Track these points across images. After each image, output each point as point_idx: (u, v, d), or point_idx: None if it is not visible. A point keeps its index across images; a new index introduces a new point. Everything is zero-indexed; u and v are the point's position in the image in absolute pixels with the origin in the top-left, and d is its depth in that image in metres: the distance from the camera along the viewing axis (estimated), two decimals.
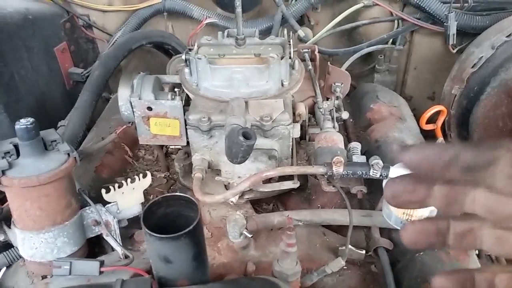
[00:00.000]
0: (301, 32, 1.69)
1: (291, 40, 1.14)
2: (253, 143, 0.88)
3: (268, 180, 1.11)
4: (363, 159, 1.03)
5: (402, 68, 1.82)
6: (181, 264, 0.68)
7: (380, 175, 0.93)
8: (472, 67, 1.42)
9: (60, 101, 1.58)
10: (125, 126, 1.25)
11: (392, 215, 0.95)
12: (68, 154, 0.91)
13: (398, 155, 0.41)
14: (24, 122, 0.86)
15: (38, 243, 0.91)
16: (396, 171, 0.92)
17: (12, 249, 1.00)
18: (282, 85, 1.10)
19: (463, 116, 1.48)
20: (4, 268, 1.02)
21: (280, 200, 1.25)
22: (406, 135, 1.35)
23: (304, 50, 1.43)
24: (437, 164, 0.39)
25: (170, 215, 0.70)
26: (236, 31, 1.13)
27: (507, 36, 1.38)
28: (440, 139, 1.23)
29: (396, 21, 1.68)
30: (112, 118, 1.48)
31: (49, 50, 1.56)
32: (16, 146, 0.88)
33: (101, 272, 0.82)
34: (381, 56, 1.75)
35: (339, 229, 1.12)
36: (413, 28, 1.66)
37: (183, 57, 1.12)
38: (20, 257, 0.99)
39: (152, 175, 1.21)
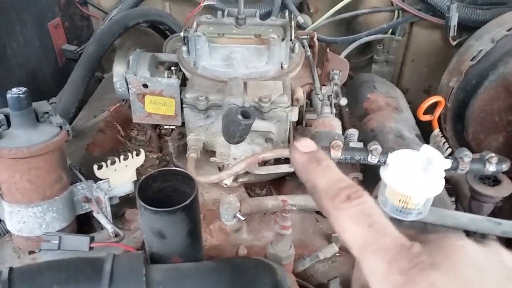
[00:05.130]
0: (300, 18, 1.67)
1: (292, 22, 1.12)
2: (251, 123, 0.87)
3: (264, 163, 1.09)
4: (360, 145, 1.02)
5: (399, 60, 1.81)
6: (176, 240, 0.66)
7: (378, 161, 0.92)
8: (471, 60, 1.41)
9: (51, 78, 1.55)
10: (118, 105, 1.23)
11: (388, 202, 0.94)
12: (61, 127, 0.89)
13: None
14: (16, 91, 0.83)
15: (26, 217, 0.88)
16: (394, 157, 0.91)
17: None
18: (282, 67, 1.09)
19: (459, 109, 1.48)
20: None
21: (274, 186, 1.23)
22: (402, 126, 1.34)
23: (303, 36, 1.41)
24: None
25: (166, 190, 0.68)
26: (237, 11, 1.11)
27: (507, 30, 1.37)
28: (437, 130, 1.22)
29: (396, 12, 1.66)
30: (105, 97, 1.45)
31: (43, 25, 1.52)
32: (7, 116, 0.85)
33: (91, 248, 0.80)
34: (380, 46, 1.73)
35: None
36: (413, 19, 1.64)
37: (182, 34, 1.09)
38: (7, 232, 0.97)
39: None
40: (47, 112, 0.89)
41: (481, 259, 0.37)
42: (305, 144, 0.44)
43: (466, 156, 0.94)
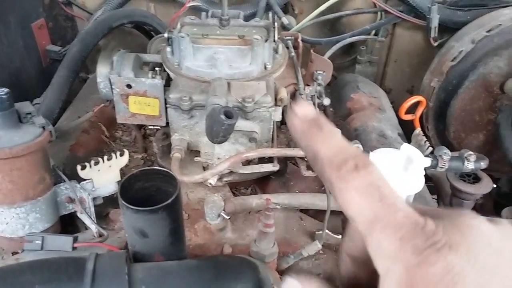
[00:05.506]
0: (284, 19, 1.68)
1: (275, 24, 1.14)
2: (234, 122, 0.87)
3: (248, 163, 1.10)
4: None
5: (382, 61, 1.83)
6: (157, 238, 0.67)
7: None
8: (452, 60, 1.43)
9: (35, 78, 1.54)
10: (102, 105, 1.23)
11: None
12: (43, 128, 0.89)
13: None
14: None
15: (9, 218, 0.88)
16: (375, 156, 0.92)
17: None
18: (265, 68, 1.10)
19: (440, 109, 1.51)
20: None
21: (258, 185, 1.24)
22: (385, 125, 1.36)
23: (287, 37, 1.42)
24: None
25: (148, 189, 0.68)
26: (221, 12, 1.12)
27: (487, 32, 1.40)
28: (418, 129, 1.24)
29: (379, 13, 1.69)
30: (89, 97, 1.45)
31: (26, 25, 1.52)
32: None
33: (74, 248, 0.80)
34: (363, 47, 1.76)
35: (316, 215, 1.13)
36: (395, 20, 1.67)
37: (165, 35, 1.10)
38: None
39: (129, 156, 1.19)
40: (30, 113, 0.89)
41: (497, 241, 0.35)
42: (305, 109, 0.40)
43: (445, 154, 0.96)
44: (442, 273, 0.32)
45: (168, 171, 0.68)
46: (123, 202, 0.62)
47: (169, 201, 0.63)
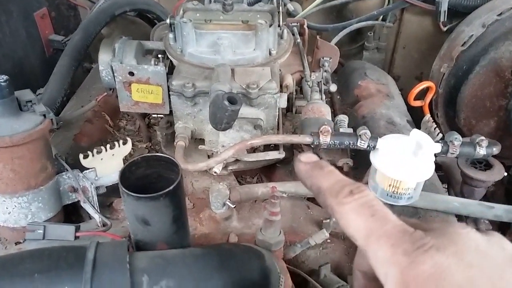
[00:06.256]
0: (290, 6, 1.66)
1: (280, 8, 1.11)
2: (238, 108, 0.85)
3: (253, 150, 1.08)
4: (350, 131, 1.01)
5: (391, 47, 1.80)
6: (160, 226, 0.65)
7: (368, 146, 0.91)
8: (462, 45, 1.40)
9: (38, 68, 1.53)
10: (105, 94, 1.21)
11: (378, 187, 0.93)
12: (44, 116, 0.87)
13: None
14: None
15: (12, 208, 0.87)
16: (384, 142, 0.90)
17: None
18: (270, 53, 1.07)
19: (450, 95, 1.47)
20: None
21: (264, 174, 1.22)
22: (393, 112, 1.33)
23: (293, 24, 1.40)
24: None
25: (150, 176, 0.67)
26: None
27: (498, 15, 1.36)
28: (428, 115, 1.21)
29: None
30: (92, 87, 1.43)
31: (29, 15, 1.50)
32: None
33: (76, 237, 0.79)
34: (370, 33, 1.72)
35: None
36: (403, 5, 1.63)
37: (168, 21, 1.08)
38: None
39: (133, 145, 1.18)
40: (30, 101, 0.87)
41: (484, 245, 0.39)
42: (308, 156, 0.48)
43: (456, 139, 0.93)
44: (430, 271, 0.35)
45: (170, 157, 0.66)
46: (124, 189, 0.61)
47: (171, 187, 0.61)
